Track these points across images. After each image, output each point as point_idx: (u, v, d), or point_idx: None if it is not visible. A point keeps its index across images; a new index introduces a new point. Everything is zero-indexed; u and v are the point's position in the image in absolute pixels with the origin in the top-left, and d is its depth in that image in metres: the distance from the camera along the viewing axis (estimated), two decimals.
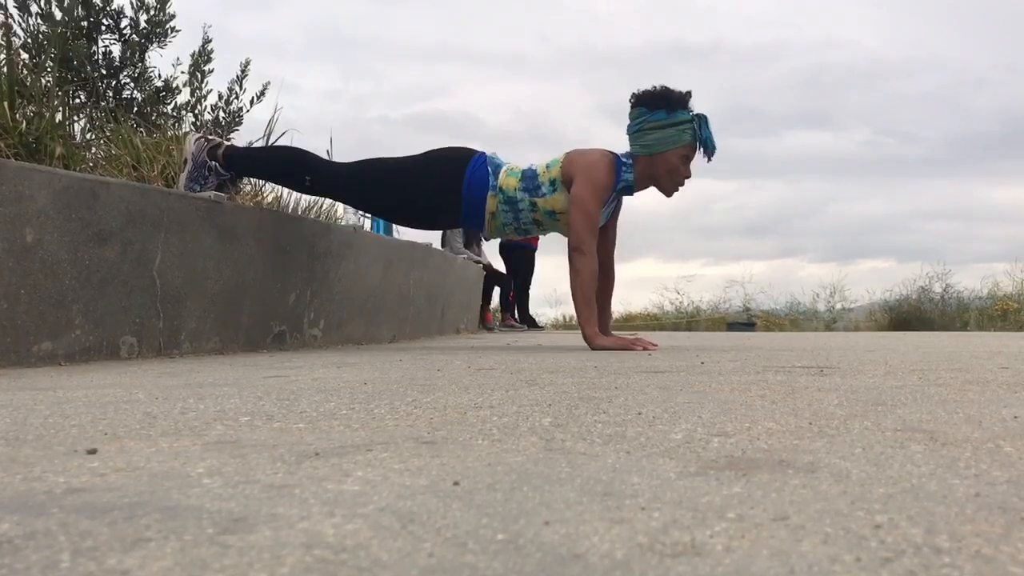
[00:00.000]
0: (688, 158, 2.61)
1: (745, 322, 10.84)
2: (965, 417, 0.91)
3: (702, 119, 2.58)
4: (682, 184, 2.67)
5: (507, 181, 2.62)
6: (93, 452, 0.69)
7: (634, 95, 2.63)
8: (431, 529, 0.45)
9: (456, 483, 0.57)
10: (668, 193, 2.69)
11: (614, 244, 2.89)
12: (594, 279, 2.56)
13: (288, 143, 3.24)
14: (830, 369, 1.67)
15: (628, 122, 2.65)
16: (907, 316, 10.49)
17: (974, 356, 2.23)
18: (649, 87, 2.61)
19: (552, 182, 2.60)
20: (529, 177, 2.62)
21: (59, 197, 1.77)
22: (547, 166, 2.63)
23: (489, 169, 2.63)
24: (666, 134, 2.57)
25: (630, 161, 2.64)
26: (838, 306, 12.36)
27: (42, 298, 1.73)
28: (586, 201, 2.54)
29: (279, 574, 0.38)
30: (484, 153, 2.69)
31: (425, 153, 2.70)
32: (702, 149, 2.61)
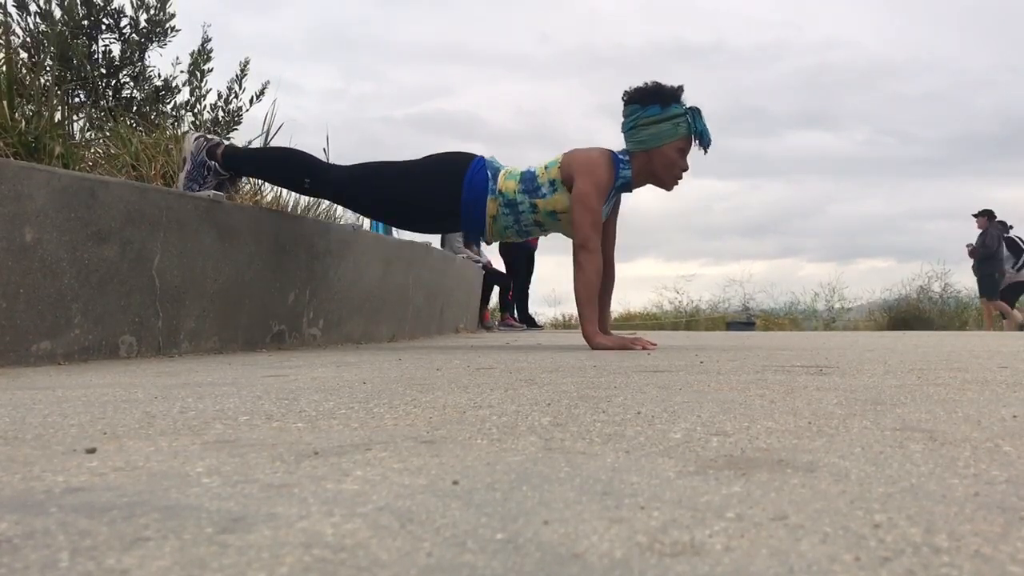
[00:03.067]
0: (684, 151, 2.62)
1: (744, 321, 10.85)
2: (964, 416, 0.91)
3: (695, 112, 2.59)
4: (680, 177, 2.68)
5: (506, 184, 2.62)
6: (92, 451, 0.69)
7: (626, 92, 2.63)
8: (430, 528, 0.45)
9: (455, 482, 0.57)
10: (668, 187, 2.70)
11: (614, 241, 2.89)
12: (598, 277, 2.57)
13: (287, 142, 3.24)
14: (829, 368, 1.67)
15: (623, 120, 2.65)
16: (906, 316, 10.51)
17: (973, 355, 2.23)
18: (641, 84, 2.61)
19: (552, 183, 2.60)
20: (528, 179, 2.62)
21: (58, 196, 1.77)
22: (546, 167, 2.64)
23: (488, 173, 2.63)
24: (661, 128, 2.58)
25: (627, 158, 2.64)
26: (837, 306, 12.38)
27: (41, 297, 1.73)
28: (589, 199, 2.54)
29: (278, 574, 0.38)
30: (483, 157, 2.69)
31: (424, 158, 2.69)
32: (697, 141, 2.61)
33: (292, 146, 2.77)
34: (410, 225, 2.81)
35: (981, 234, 9.20)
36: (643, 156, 2.62)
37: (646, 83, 2.61)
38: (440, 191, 2.62)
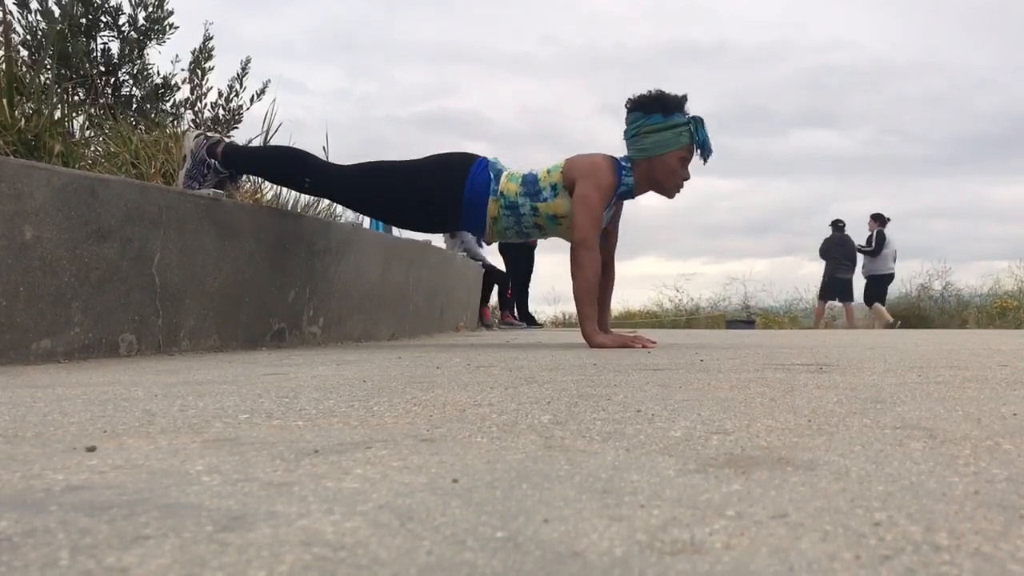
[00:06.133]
0: (686, 160, 2.63)
1: (745, 320, 10.86)
2: (964, 415, 0.91)
3: (698, 121, 2.60)
4: (682, 186, 2.69)
5: (508, 186, 2.62)
6: (92, 450, 0.69)
7: (630, 100, 2.64)
8: (430, 527, 0.45)
9: (455, 481, 0.57)
10: (670, 195, 2.71)
11: (615, 245, 2.90)
12: (597, 276, 2.57)
13: (288, 141, 3.24)
14: (829, 367, 1.67)
15: (625, 127, 2.65)
16: (906, 314, 10.51)
17: (973, 354, 2.23)
18: (644, 91, 2.61)
19: (553, 187, 2.60)
20: (530, 182, 2.62)
21: (58, 194, 1.77)
22: (548, 171, 2.64)
23: (491, 174, 2.63)
24: (663, 137, 2.58)
25: (629, 165, 2.65)
26: (838, 304, 12.35)
27: (41, 296, 1.73)
28: (591, 199, 2.54)
29: (278, 572, 0.38)
30: (485, 158, 2.69)
31: (426, 158, 2.70)
32: (699, 151, 2.62)
33: (292, 145, 2.76)
34: (410, 224, 2.81)
35: (876, 235, 9.74)
36: (645, 164, 2.63)
37: (649, 91, 2.61)
38: (442, 191, 2.62)
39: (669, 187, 2.67)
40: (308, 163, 2.62)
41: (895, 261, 9.83)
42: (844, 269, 9.90)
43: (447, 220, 2.70)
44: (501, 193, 2.62)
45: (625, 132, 2.65)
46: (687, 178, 2.66)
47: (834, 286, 9.98)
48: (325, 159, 2.80)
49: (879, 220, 9.71)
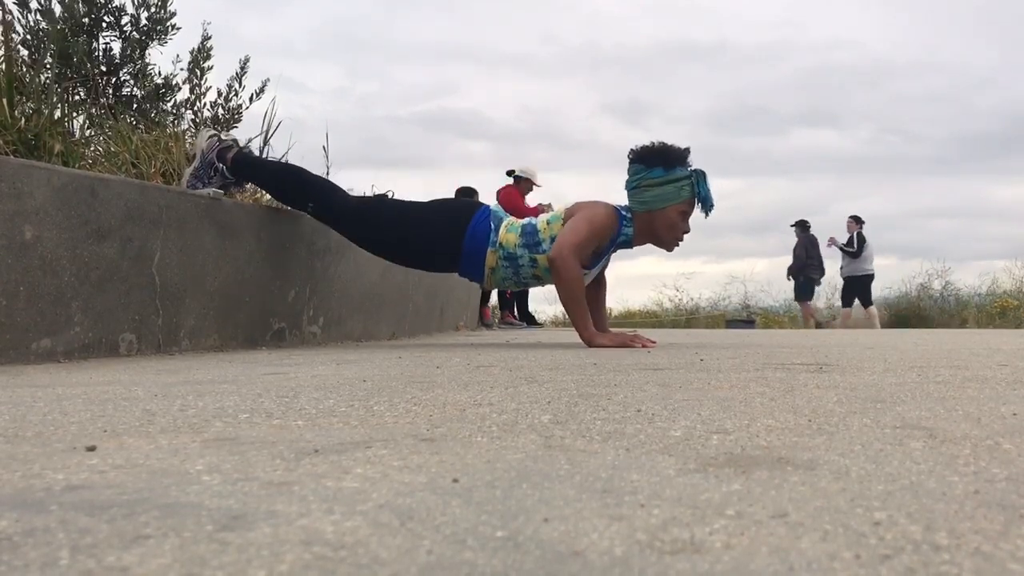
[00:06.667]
0: (687, 214, 2.63)
1: (744, 319, 10.89)
2: (964, 414, 0.91)
3: (700, 175, 2.59)
4: (681, 240, 2.69)
5: (507, 237, 2.61)
6: (92, 449, 0.69)
7: (632, 151, 2.64)
8: (430, 526, 0.45)
9: (455, 480, 0.57)
10: (668, 248, 2.72)
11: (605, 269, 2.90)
12: (579, 280, 2.54)
13: (288, 140, 3.24)
14: (829, 366, 1.67)
15: (627, 178, 2.65)
16: (906, 313, 10.53)
17: (973, 353, 2.23)
18: (647, 143, 2.62)
19: (553, 239, 2.59)
20: (529, 233, 2.62)
21: (58, 194, 1.77)
22: (548, 222, 2.64)
23: (492, 224, 2.63)
24: (664, 191, 2.58)
25: (630, 216, 2.65)
26: (838, 303, 12.36)
27: (41, 295, 1.73)
28: (579, 226, 2.53)
29: (278, 571, 0.38)
30: (488, 207, 2.69)
31: (432, 201, 2.71)
32: (700, 205, 2.62)
33: (293, 154, 2.75)
34: (407, 265, 2.80)
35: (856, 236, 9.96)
36: (645, 216, 2.62)
37: (653, 143, 2.61)
38: (443, 238, 2.62)
39: (668, 240, 2.67)
40: (315, 187, 2.60)
41: (872, 262, 9.98)
42: (815, 269, 10.18)
43: (445, 265, 2.72)
44: (500, 244, 2.61)
45: (626, 183, 2.66)
46: (687, 231, 2.67)
47: (806, 285, 10.19)
48: (326, 175, 2.78)
49: (858, 221, 9.93)
